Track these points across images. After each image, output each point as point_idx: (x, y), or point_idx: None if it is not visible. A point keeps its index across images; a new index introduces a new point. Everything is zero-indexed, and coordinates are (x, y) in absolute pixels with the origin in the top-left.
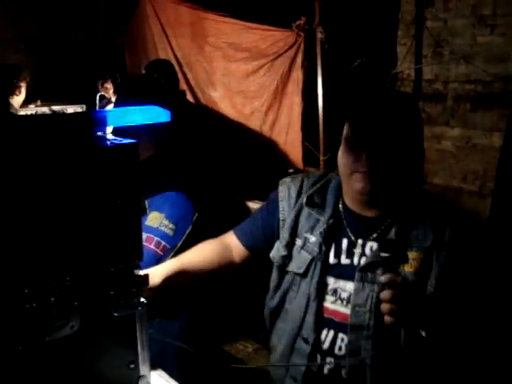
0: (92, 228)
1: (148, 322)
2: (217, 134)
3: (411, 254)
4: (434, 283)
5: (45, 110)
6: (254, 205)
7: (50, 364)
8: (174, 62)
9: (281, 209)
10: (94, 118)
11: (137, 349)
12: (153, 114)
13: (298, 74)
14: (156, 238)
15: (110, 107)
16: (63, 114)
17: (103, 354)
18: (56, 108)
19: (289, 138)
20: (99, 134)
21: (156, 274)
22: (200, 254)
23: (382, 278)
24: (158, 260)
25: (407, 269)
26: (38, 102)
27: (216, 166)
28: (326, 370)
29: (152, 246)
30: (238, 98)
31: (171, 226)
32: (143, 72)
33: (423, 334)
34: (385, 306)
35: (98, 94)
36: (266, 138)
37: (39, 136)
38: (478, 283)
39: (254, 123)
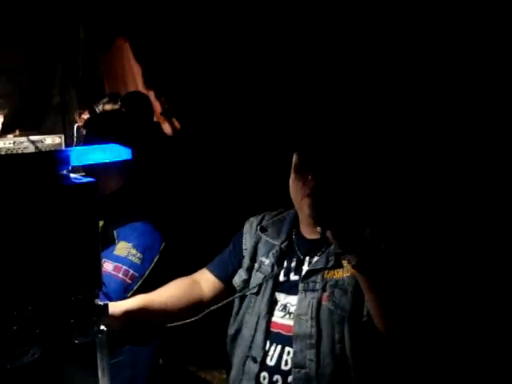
0: (53, 260)
1: (118, 348)
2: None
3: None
4: None
5: (23, 139)
6: None
7: None
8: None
9: (244, 241)
10: (57, 157)
11: (97, 374)
12: (114, 153)
13: None
14: (124, 267)
15: None
16: (28, 154)
17: (65, 379)
18: (34, 138)
19: None
20: (63, 172)
21: (121, 309)
22: (166, 292)
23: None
24: (126, 288)
25: (344, 274)
26: (17, 132)
27: (194, 195)
28: None
29: (120, 275)
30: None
31: (139, 255)
32: (119, 104)
33: (354, 260)
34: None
35: (76, 125)
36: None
37: (4, 174)
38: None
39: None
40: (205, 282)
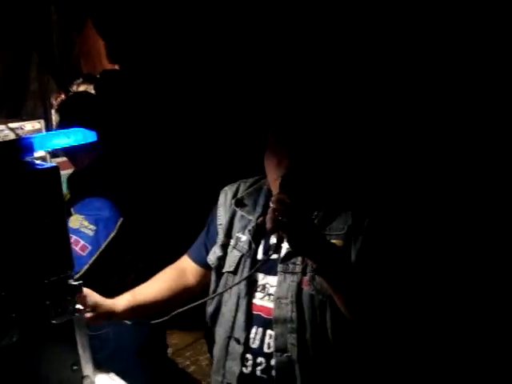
0: (23, 245)
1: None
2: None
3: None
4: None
5: (2, 127)
6: None
7: None
8: None
9: (218, 215)
10: (20, 144)
11: (78, 351)
12: (78, 137)
13: None
14: (74, 237)
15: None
16: None
17: (46, 358)
18: (13, 125)
19: None
20: (27, 159)
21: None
22: (154, 285)
23: (273, 198)
24: (77, 258)
25: None
26: None
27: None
28: (258, 372)
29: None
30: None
31: (91, 226)
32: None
33: (313, 265)
34: (268, 215)
35: (53, 109)
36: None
37: None
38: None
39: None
40: (188, 269)
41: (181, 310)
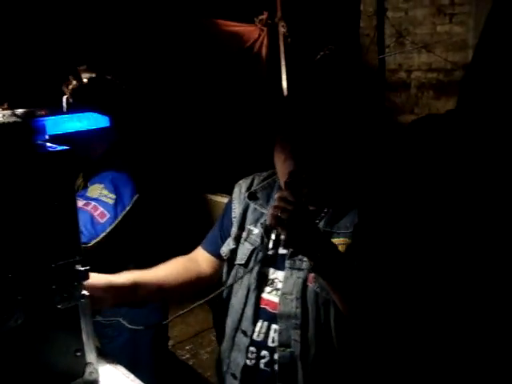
0: (31, 228)
1: (114, 310)
2: (184, 131)
3: (337, 240)
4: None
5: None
6: (216, 198)
7: None
8: None
9: (233, 207)
10: (33, 127)
11: (82, 337)
12: (90, 121)
13: (262, 69)
14: (93, 203)
15: None
16: (3, 124)
17: (50, 343)
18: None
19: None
20: (39, 141)
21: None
22: (164, 270)
23: (276, 195)
24: (94, 223)
25: None
26: (5, 105)
27: (175, 160)
28: (261, 365)
29: (89, 209)
30: (207, 93)
31: (111, 195)
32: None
33: (311, 263)
34: (269, 211)
35: (65, 97)
36: (235, 133)
37: None
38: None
39: (222, 119)
40: (202, 259)
41: (194, 306)
